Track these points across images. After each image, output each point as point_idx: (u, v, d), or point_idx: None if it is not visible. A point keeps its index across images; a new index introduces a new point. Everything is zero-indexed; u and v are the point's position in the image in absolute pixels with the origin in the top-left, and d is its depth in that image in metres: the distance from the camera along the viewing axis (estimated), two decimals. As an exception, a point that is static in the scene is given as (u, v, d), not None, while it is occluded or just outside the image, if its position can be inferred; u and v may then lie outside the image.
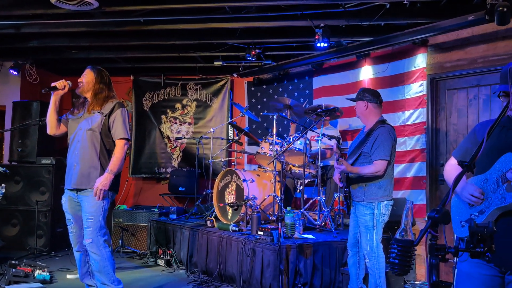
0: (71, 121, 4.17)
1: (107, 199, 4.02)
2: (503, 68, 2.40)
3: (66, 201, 4.14)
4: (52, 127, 4.15)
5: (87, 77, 4.11)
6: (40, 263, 5.36)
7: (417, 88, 5.84)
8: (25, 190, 6.83)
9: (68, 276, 5.40)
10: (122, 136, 4.07)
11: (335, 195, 5.79)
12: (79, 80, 4.11)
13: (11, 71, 7.35)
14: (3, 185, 4.62)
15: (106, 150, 4.08)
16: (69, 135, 4.16)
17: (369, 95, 4.40)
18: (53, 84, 4.03)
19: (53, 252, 6.62)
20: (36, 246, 6.62)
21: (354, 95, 4.57)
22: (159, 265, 6.09)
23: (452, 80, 5.64)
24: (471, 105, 5.46)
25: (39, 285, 4.91)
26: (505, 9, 4.37)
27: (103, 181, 3.91)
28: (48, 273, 5.16)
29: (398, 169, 5.95)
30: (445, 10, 5.12)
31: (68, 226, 4.20)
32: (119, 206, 7.20)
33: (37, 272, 5.12)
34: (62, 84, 4.03)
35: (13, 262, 5.32)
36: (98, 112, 4.06)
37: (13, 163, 7.09)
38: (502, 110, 2.13)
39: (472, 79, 5.43)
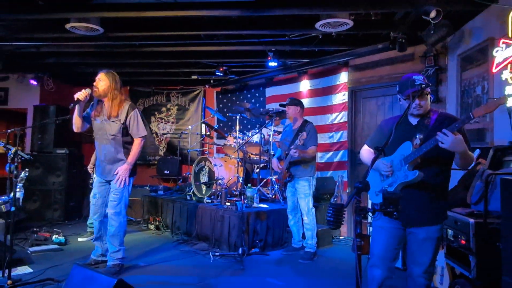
0: (96, 123, 3.85)
1: (131, 179, 3.88)
2: (402, 78, 2.46)
3: (97, 180, 3.95)
4: (78, 128, 3.83)
5: (103, 84, 3.74)
6: (56, 230, 5.16)
7: (341, 97, 5.95)
8: (43, 173, 6.51)
9: (79, 239, 5.21)
10: (139, 136, 3.84)
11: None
12: (94, 84, 3.75)
13: (31, 81, 7.15)
14: (26, 169, 4.43)
15: (129, 145, 3.85)
16: (96, 134, 3.88)
17: (300, 102, 4.65)
18: (76, 98, 3.61)
19: (66, 222, 6.34)
20: (53, 217, 6.34)
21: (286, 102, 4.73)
22: (150, 229, 5.96)
23: (366, 91, 5.78)
24: (379, 109, 5.63)
25: (56, 246, 4.72)
26: (403, 40, 4.54)
27: (123, 171, 3.78)
28: (63, 237, 4.97)
29: (327, 156, 6.07)
30: (361, 40, 5.24)
31: (91, 199, 3.98)
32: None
33: (54, 237, 4.95)
34: (83, 96, 3.63)
35: (35, 229, 5.13)
36: (117, 119, 3.76)
37: (33, 153, 6.72)
38: (405, 111, 2.19)
39: (380, 91, 5.59)
